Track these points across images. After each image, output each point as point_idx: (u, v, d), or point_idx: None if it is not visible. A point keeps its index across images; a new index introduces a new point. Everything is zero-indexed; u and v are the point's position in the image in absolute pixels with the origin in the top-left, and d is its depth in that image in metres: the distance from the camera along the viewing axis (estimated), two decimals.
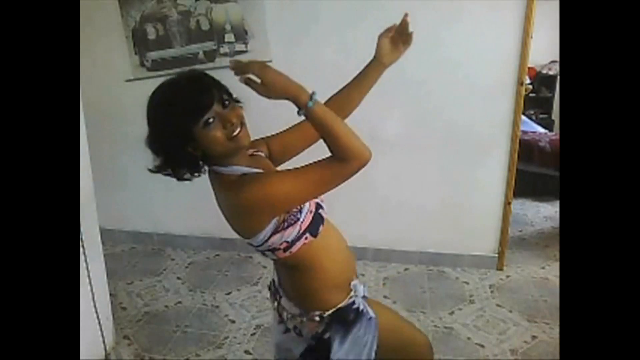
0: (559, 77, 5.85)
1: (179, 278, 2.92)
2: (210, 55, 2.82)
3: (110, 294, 2.26)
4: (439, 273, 2.89)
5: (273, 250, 1.11)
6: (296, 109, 1.04)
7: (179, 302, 2.65)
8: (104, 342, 2.12)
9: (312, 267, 1.15)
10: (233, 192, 1.04)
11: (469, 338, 2.27)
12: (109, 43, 2.94)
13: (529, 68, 3.18)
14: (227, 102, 1.09)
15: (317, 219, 1.12)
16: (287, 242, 1.08)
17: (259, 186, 1.02)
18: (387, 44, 1.23)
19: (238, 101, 1.16)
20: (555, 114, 6.00)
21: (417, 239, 2.94)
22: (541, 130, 4.75)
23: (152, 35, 2.86)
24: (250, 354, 2.21)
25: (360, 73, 1.28)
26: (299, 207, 1.09)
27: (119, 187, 3.28)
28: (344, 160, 0.99)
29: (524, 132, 4.10)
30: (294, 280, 1.19)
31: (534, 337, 2.27)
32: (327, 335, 1.17)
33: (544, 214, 3.86)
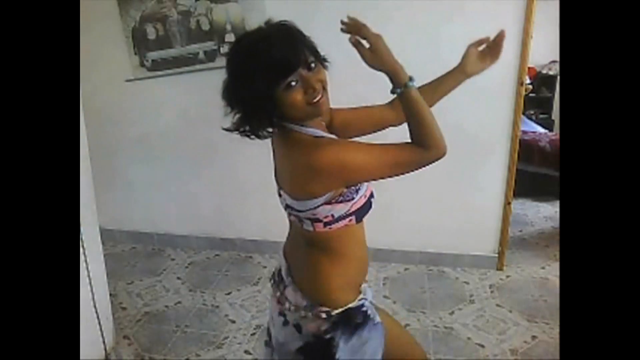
0: (559, 77, 5.85)
1: (179, 278, 2.92)
2: (211, 55, 2.82)
3: (110, 294, 2.26)
4: (439, 273, 2.89)
5: (315, 220, 1.07)
6: (390, 88, 1.01)
7: (179, 302, 2.65)
8: (104, 342, 2.12)
9: (339, 253, 1.13)
10: (307, 152, 1.01)
11: (469, 338, 2.27)
12: (109, 43, 2.94)
13: (529, 68, 3.17)
14: (312, 65, 1.02)
15: (367, 207, 1.11)
16: (333, 216, 1.06)
17: (337, 151, 1.00)
18: (474, 55, 1.23)
19: (325, 60, 1.10)
20: (555, 114, 6.00)
21: (417, 239, 2.95)
22: (541, 130, 4.75)
23: (152, 35, 2.86)
24: (250, 354, 2.21)
25: (439, 78, 1.26)
26: (356, 187, 1.07)
27: (119, 187, 3.29)
28: (424, 148, 1.02)
29: (524, 132, 4.09)
30: (316, 263, 1.13)
31: (534, 337, 2.27)
32: (329, 336, 1.13)
33: (544, 214, 3.86)
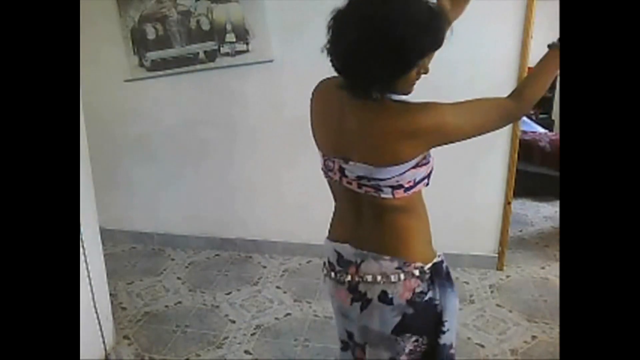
0: (559, 77, 5.84)
1: (179, 278, 2.92)
2: (211, 55, 2.82)
3: (110, 294, 2.26)
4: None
5: (396, 187, 1.07)
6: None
7: (179, 302, 2.65)
8: (104, 342, 2.12)
9: (416, 213, 1.14)
10: (402, 117, 1.01)
11: (469, 338, 2.27)
12: (108, 43, 2.93)
13: (529, 68, 3.17)
14: None
15: (433, 169, 1.12)
16: (414, 180, 1.07)
17: (434, 113, 1.01)
18: None
19: None
20: (555, 114, 6.00)
21: None
22: (541, 130, 4.75)
23: (151, 35, 2.86)
24: (250, 354, 2.21)
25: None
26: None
27: (119, 187, 3.29)
28: (521, 100, 1.09)
29: (524, 132, 4.10)
30: (400, 225, 1.12)
31: (534, 337, 2.27)
32: (427, 297, 1.12)
33: (544, 214, 3.86)
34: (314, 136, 1.18)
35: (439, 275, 1.15)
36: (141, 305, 2.64)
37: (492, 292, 2.67)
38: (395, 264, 1.11)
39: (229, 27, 2.74)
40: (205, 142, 3.04)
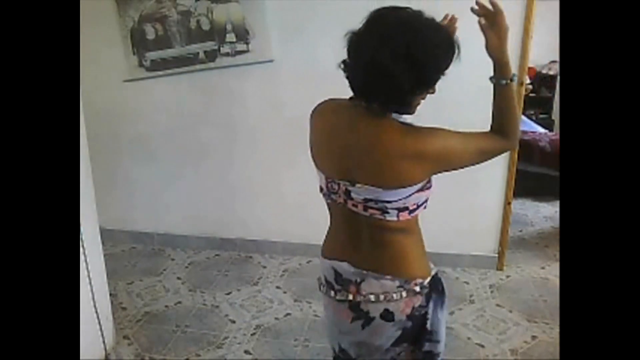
0: (559, 77, 5.85)
1: (179, 278, 2.92)
2: (211, 55, 2.81)
3: (110, 294, 2.26)
4: (439, 273, 2.88)
5: (402, 209, 1.09)
6: (488, 76, 1.11)
7: (179, 302, 2.65)
8: (104, 342, 2.12)
9: (415, 232, 1.18)
10: (414, 138, 1.04)
11: (469, 338, 2.27)
12: (107, 43, 2.93)
13: (529, 68, 3.18)
14: None
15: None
16: (417, 204, 1.11)
17: (442, 138, 1.05)
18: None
19: None
20: (555, 114, 6.00)
21: None
22: (541, 130, 4.74)
23: (151, 35, 2.86)
24: (250, 354, 2.21)
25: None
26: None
27: (119, 187, 3.29)
28: (506, 138, 1.12)
29: (524, 132, 4.09)
30: (401, 245, 1.15)
31: (534, 337, 2.27)
32: (424, 311, 1.16)
33: (544, 214, 3.86)
34: (314, 158, 1.18)
35: (437, 289, 1.19)
36: (141, 305, 2.63)
37: (492, 292, 2.67)
38: (397, 283, 1.13)
39: (229, 27, 2.74)
40: (205, 142, 3.04)
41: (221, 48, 2.79)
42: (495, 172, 2.73)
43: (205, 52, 2.82)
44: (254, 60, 2.75)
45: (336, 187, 1.13)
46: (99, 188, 2.12)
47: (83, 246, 1.91)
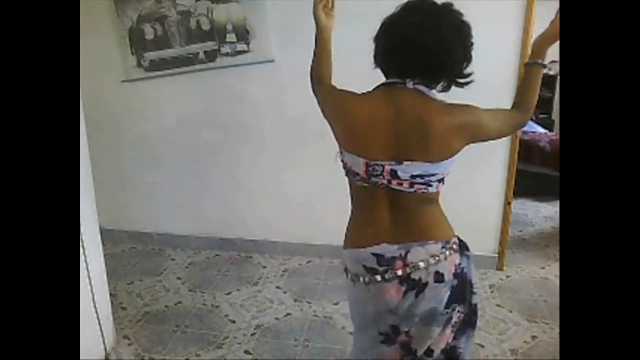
0: (559, 77, 5.85)
1: (179, 278, 2.92)
2: (211, 55, 2.81)
3: (110, 294, 2.26)
4: None
5: (441, 180, 1.22)
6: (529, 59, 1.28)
7: (179, 302, 2.65)
8: (104, 342, 2.12)
9: (439, 199, 1.30)
10: (455, 113, 1.17)
11: None
12: (106, 43, 2.93)
13: None
14: None
15: None
16: (447, 174, 1.23)
17: (474, 112, 1.19)
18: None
19: None
20: (555, 114, 6.00)
21: None
22: (541, 130, 4.75)
23: (150, 36, 2.86)
24: (250, 354, 2.21)
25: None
26: None
27: (119, 187, 3.29)
28: (525, 112, 1.29)
29: (524, 132, 4.09)
30: (435, 212, 1.28)
31: (534, 337, 2.27)
32: (463, 266, 1.28)
33: (544, 214, 3.86)
34: (351, 146, 1.20)
35: (464, 246, 1.33)
36: (141, 305, 2.64)
37: (492, 292, 2.67)
38: (440, 245, 1.23)
39: (229, 27, 2.74)
40: (205, 142, 3.04)
41: (221, 48, 2.79)
42: (495, 172, 2.73)
43: (205, 52, 2.82)
44: (255, 60, 2.75)
45: (379, 169, 1.17)
46: (99, 188, 2.12)
47: (83, 246, 1.91)
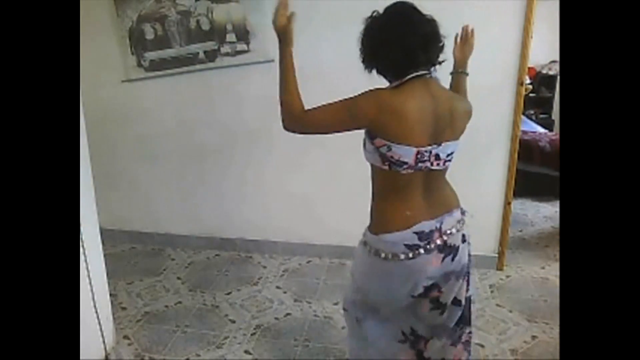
0: (559, 77, 5.85)
1: (179, 278, 2.92)
2: (211, 55, 2.81)
3: (110, 294, 2.26)
4: None
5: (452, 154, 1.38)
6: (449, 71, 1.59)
7: (179, 302, 2.65)
8: (104, 342, 2.12)
9: None
10: (461, 99, 1.48)
11: None
12: (104, 43, 2.93)
13: (529, 68, 3.18)
14: None
15: None
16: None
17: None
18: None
19: None
20: (555, 114, 6.00)
21: None
22: (541, 130, 4.75)
23: (150, 36, 2.86)
24: (250, 354, 2.21)
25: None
26: None
27: (120, 187, 3.29)
28: None
29: (524, 132, 4.09)
30: (449, 184, 1.49)
31: (534, 337, 2.27)
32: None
33: (544, 214, 3.86)
34: (408, 138, 1.26)
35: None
36: (141, 305, 2.64)
37: (492, 292, 2.67)
38: (459, 211, 1.47)
39: (229, 27, 2.74)
40: (205, 142, 3.04)
41: (221, 48, 2.79)
42: (495, 172, 2.73)
43: (205, 52, 2.82)
44: (255, 60, 2.75)
45: (427, 154, 1.30)
46: (99, 188, 2.12)
47: (83, 246, 1.91)
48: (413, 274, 1.38)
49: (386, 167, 1.30)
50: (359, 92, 1.27)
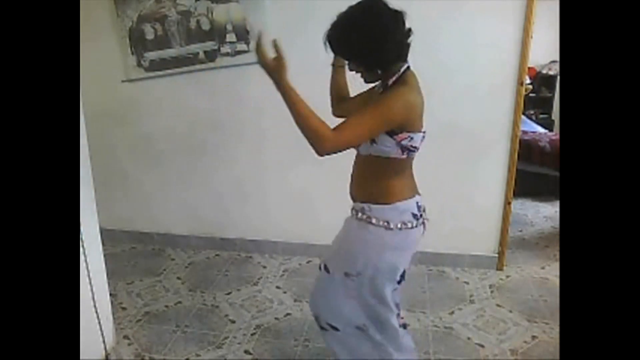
0: (559, 77, 5.85)
1: (179, 278, 2.92)
2: (211, 55, 2.81)
3: (110, 294, 2.26)
4: (439, 273, 2.88)
5: None
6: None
7: (179, 302, 2.65)
8: (104, 342, 2.12)
9: None
10: None
11: (469, 338, 2.27)
12: (105, 43, 2.93)
13: (529, 68, 3.18)
14: None
15: None
16: None
17: None
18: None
19: None
20: (555, 114, 6.00)
21: None
22: (541, 130, 4.75)
23: (150, 36, 2.86)
24: (250, 354, 2.21)
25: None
26: None
27: (119, 187, 3.29)
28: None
29: (524, 132, 4.10)
30: None
31: (534, 337, 2.27)
32: None
33: (544, 214, 3.86)
34: (415, 128, 1.39)
35: None
36: (141, 305, 2.64)
37: (492, 292, 2.67)
38: None
39: (229, 27, 2.74)
40: (205, 142, 3.04)
41: (221, 48, 2.79)
42: (495, 172, 2.73)
43: (205, 52, 2.82)
44: (255, 60, 2.72)
45: (422, 135, 1.44)
46: (99, 188, 2.12)
47: (83, 246, 1.91)
48: (413, 244, 1.55)
49: (404, 156, 1.42)
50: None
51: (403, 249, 1.54)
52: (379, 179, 1.48)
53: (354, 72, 1.46)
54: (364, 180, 1.52)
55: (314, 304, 1.71)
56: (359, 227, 1.50)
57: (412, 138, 1.38)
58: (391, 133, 1.36)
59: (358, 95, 1.66)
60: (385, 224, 1.46)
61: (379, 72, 1.39)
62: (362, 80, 1.47)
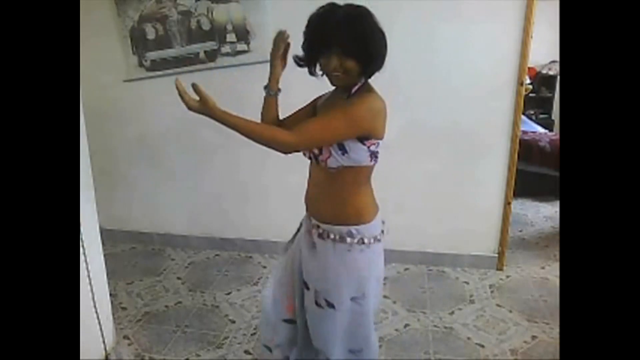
0: (559, 77, 5.85)
1: (179, 278, 2.92)
2: (212, 55, 2.82)
3: (110, 294, 2.26)
4: (439, 273, 2.88)
5: None
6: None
7: (179, 302, 2.65)
8: (104, 342, 2.12)
9: None
10: None
11: (469, 338, 2.27)
12: (106, 43, 2.93)
13: (529, 68, 3.17)
14: None
15: None
16: None
17: None
18: None
19: None
20: (555, 114, 6.00)
21: (416, 239, 2.94)
22: (541, 130, 4.75)
23: (151, 35, 2.86)
24: (250, 354, 2.21)
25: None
26: None
27: (119, 187, 3.29)
28: None
29: (524, 132, 4.10)
30: None
31: (534, 337, 2.27)
32: None
33: (544, 214, 3.86)
34: (381, 131, 1.37)
35: None
36: (141, 305, 2.64)
37: (492, 292, 2.67)
38: None
39: (229, 27, 2.74)
40: (205, 142, 3.03)
41: (222, 48, 2.79)
42: (496, 172, 2.73)
43: (205, 52, 2.82)
44: (255, 60, 2.74)
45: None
46: (99, 188, 2.12)
47: (83, 246, 1.91)
48: (381, 256, 1.53)
49: (372, 163, 1.40)
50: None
51: (377, 263, 1.52)
52: (355, 194, 1.43)
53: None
54: (334, 197, 1.44)
55: (322, 341, 1.58)
56: (353, 250, 1.42)
57: (378, 144, 1.38)
58: (362, 139, 1.33)
59: (300, 110, 1.70)
60: (374, 238, 1.46)
61: (362, 77, 1.35)
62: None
